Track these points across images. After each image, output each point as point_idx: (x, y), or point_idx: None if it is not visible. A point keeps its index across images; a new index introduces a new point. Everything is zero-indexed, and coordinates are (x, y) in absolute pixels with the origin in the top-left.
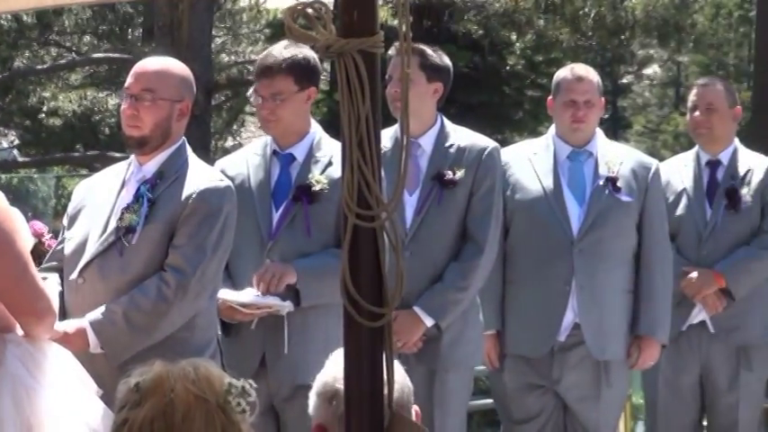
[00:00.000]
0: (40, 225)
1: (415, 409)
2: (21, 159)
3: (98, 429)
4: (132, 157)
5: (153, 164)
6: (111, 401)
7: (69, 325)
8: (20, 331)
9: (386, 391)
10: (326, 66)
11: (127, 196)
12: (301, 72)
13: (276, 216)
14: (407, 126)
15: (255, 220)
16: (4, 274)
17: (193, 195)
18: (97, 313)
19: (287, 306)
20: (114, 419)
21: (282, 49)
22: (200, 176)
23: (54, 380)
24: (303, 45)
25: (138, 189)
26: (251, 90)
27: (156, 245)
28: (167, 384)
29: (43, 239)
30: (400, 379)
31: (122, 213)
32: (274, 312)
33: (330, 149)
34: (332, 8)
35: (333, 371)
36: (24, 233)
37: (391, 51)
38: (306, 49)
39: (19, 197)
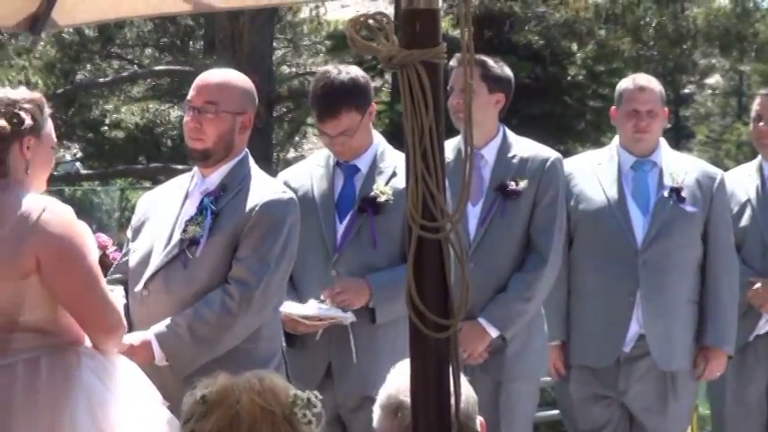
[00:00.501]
0: (104, 238)
1: (480, 420)
2: (84, 172)
3: None
4: (195, 169)
5: (216, 176)
6: (177, 413)
7: (135, 337)
8: (88, 344)
9: (453, 402)
10: (388, 77)
11: (190, 208)
12: (360, 98)
13: (341, 228)
14: (471, 137)
15: (320, 232)
16: (75, 288)
17: (257, 207)
18: (162, 326)
19: (349, 317)
20: (181, 431)
21: (333, 81)
22: (263, 188)
23: (125, 391)
24: (345, 67)
25: (202, 201)
26: (316, 127)
27: (219, 257)
28: (233, 396)
29: (107, 252)
30: (464, 390)
31: (186, 226)
32: (337, 323)
33: (393, 160)
34: (393, 19)
35: (396, 383)
36: (92, 246)
37: (453, 62)
38: (352, 70)
39: (83, 210)
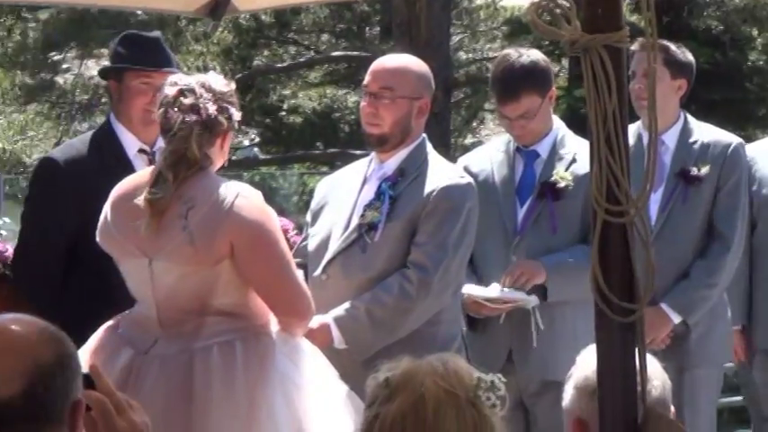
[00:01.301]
0: (285, 221)
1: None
2: (262, 157)
3: (355, 422)
4: (373, 154)
5: (394, 161)
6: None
7: (313, 321)
8: (274, 327)
9: (639, 386)
10: (565, 62)
11: (368, 194)
12: (540, 81)
13: (521, 213)
14: (655, 122)
15: (500, 216)
16: (269, 273)
17: (435, 192)
18: (341, 310)
19: (532, 300)
20: (365, 414)
21: (514, 64)
22: (441, 173)
23: (314, 375)
24: (526, 50)
25: (380, 186)
26: (495, 110)
27: (397, 242)
28: (417, 379)
29: (288, 235)
30: (660, 376)
31: (364, 211)
32: (520, 306)
33: (573, 146)
34: (574, 3)
35: (593, 364)
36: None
37: (634, 47)
38: (533, 54)
39: (263, 194)
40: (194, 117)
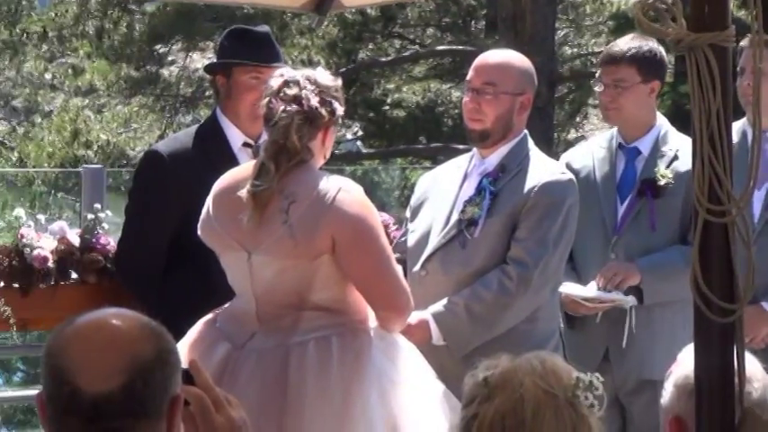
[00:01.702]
0: (386, 216)
1: None
2: (365, 151)
3: (450, 421)
4: (474, 149)
5: (495, 157)
6: (453, 392)
7: (412, 317)
8: (373, 323)
9: (737, 387)
10: (670, 58)
11: (469, 189)
12: (646, 64)
13: (621, 210)
14: (759, 119)
15: (600, 213)
16: (369, 268)
17: (535, 188)
18: (439, 306)
19: (630, 301)
20: (463, 413)
21: (629, 41)
22: (542, 169)
23: (410, 372)
24: (651, 39)
25: (481, 182)
26: (597, 75)
27: (498, 238)
28: (516, 379)
29: (389, 230)
30: (762, 377)
31: (465, 206)
32: (618, 306)
33: (676, 143)
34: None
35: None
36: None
37: (743, 43)
38: (652, 42)
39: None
40: (296, 107)
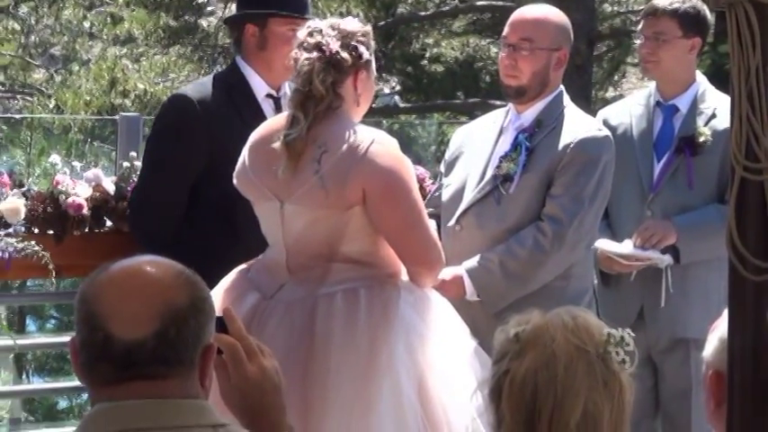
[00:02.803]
0: (421, 170)
1: None
2: (402, 105)
3: (481, 376)
4: (510, 105)
5: (531, 112)
6: (486, 348)
7: (446, 272)
8: (404, 277)
9: None
10: (712, 18)
11: (504, 144)
12: (688, 19)
13: (658, 168)
14: None
15: (637, 171)
16: (400, 222)
17: (571, 145)
18: (473, 261)
19: (666, 260)
20: (494, 369)
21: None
22: (578, 126)
23: (440, 327)
24: None
25: (516, 137)
26: (638, 27)
27: (533, 194)
28: (548, 335)
29: (425, 184)
30: None
31: (500, 162)
32: (653, 265)
33: (714, 101)
34: None
35: None
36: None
37: None
38: (696, 1)
39: (400, 143)
40: (317, 54)
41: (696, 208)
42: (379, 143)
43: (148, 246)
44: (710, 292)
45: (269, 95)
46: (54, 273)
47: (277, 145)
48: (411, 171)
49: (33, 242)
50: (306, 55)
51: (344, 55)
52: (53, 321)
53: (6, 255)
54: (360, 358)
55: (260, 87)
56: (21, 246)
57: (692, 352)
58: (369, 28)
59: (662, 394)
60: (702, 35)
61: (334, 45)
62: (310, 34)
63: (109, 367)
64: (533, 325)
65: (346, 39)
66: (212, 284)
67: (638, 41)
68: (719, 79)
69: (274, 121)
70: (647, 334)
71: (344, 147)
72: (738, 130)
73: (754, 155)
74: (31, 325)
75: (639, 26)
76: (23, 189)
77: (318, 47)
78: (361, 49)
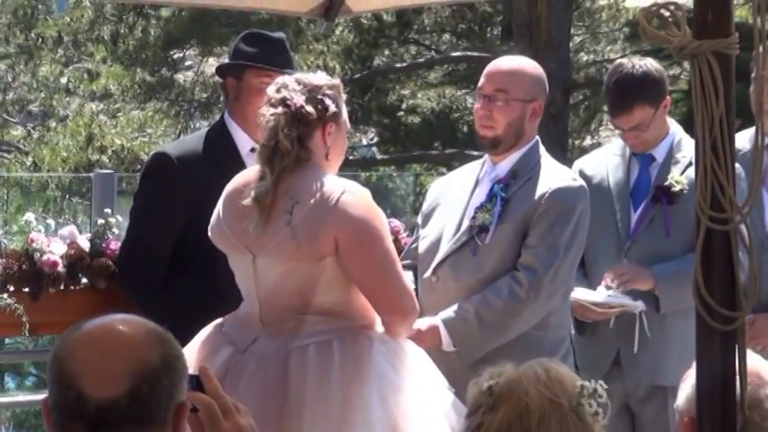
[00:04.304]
0: (396, 222)
1: None
2: (380, 157)
3: (454, 427)
4: (486, 156)
5: (506, 163)
6: (463, 398)
7: (422, 323)
8: (379, 328)
9: (738, 395)
10: (686, 65)
11: (480, 195)
12: (652, 93)
13: (635, 216)
14: (762, 127)
15: (614, 219)
16: (373, 270)
17: (546, 195)
18: (450, 312)
19: (639, 306)
20: (467, 422)
21: (627, 76)
22: (553, 176)
23: (415, 378)
24: (640, 60)
25: (492, 188)
26: (612, 122)
27: (508, 244)
28: (521, 388)
29: (399, 237)
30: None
31: (476, 213)
32: (627, 311)
33: (690, 150)
34: (688, 8)
35: None
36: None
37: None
38: (646, 64)
39: (378, 194)
40: (282, 109)
41: (673, 256)
42: (350, 193)
43: (137, 295)
44: (688, 339)
45: (254, 149)
46: (28, 330)
47: (248, 201)
48: (383, 220)
49: (5, 295)
50: (272, 111)
51: (309, 109)
52: (32, 378)
53: None
54: (333, 413)
55: (244, 142)
56: None
57: (669, 400)
58: (337, 81)
59: None
60: (666, 91)
61: (299, 99)
62: (277, 90)
63: (81, 427)
64: (506, 378)
65: (312, 92)
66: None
67: (617, 131)
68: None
69: (247, 174)
70: (625, 382)
71: (316, 197)
72: (703, 180)
73: (719, 205)
74: (9, 382)
75: (614, 124)
76: None
77: (284, 102)
78: (327, 101)
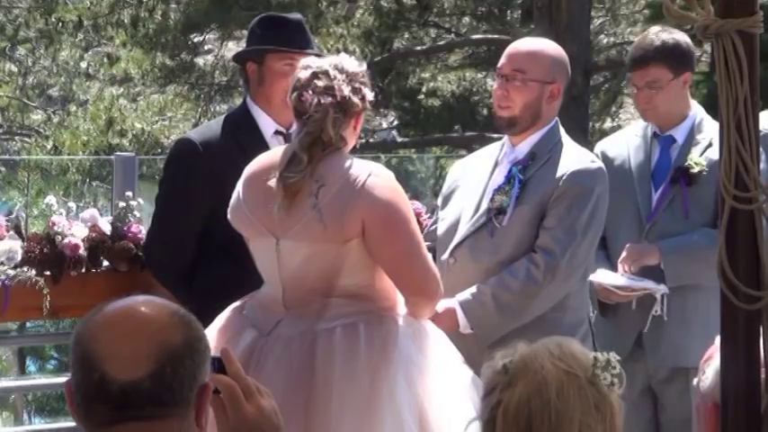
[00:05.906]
0: (417, 205)
1: None
2: (400, 140)
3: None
4: (505, 138)
5: (525, 145)
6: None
7: (439, 305)
8: (402, 310)
9: (763, 375)
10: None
11: (499, 177)
12: (675, 58)
13: (655, 198)
14: None
15: (635, 201)
16: (399, 252)
17: (564, 177)
18: (467, 294)
19: (662, 289)
20: (484, 402)
21: (653, 37)
22: (571, 158)
23: (437, 358)
24: (674, 30)
25: (510, 170)
26: (627, 77)
27: (526, 226)
28: (537, 362)
29: (420, 219)
30: None
31: (494, 194)
32: (649, 294)
33: (710, 131)
34: None
35: None
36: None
37: None
38: (678, 34)
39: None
40: (329, 99)
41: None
42: (376, 176)
43: (165, 281)
44: (711, 320)
45: (278, 132)
46: (49, 312)
47: (273, 182)
48: (408, 203)
49: (26, 267)
50: (317, 99)
51: (355, 100)
52: (53, 362)
53: (1, 284)
54: (361, 394)
55: (268, 125)
56: (13, 273)
57: (691, 381)
58: (365, 66)
59: (662, 425)
60: (691, 67)
61: (346, 90)
62: (316, 76)
63: (105, 408)
64: (520, 355)
65: (354, 82)
66: None
67: (631, 90)
68: (716, 108)
69: (269, 156)
70: (647, 364)
71: (342, 180)
72: (727, 159)
73: (743, 184)
74: (31, 366)
75: (628, 76)
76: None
77: (329, 91)
78: (365, 90)
